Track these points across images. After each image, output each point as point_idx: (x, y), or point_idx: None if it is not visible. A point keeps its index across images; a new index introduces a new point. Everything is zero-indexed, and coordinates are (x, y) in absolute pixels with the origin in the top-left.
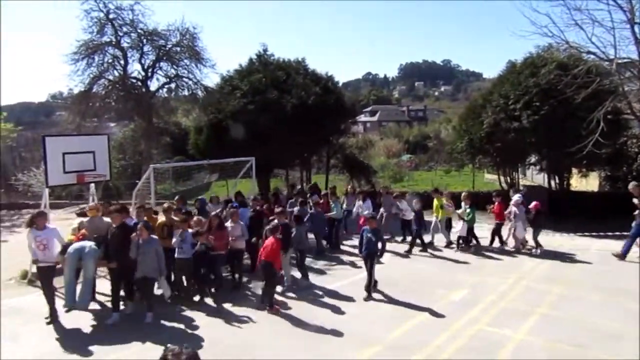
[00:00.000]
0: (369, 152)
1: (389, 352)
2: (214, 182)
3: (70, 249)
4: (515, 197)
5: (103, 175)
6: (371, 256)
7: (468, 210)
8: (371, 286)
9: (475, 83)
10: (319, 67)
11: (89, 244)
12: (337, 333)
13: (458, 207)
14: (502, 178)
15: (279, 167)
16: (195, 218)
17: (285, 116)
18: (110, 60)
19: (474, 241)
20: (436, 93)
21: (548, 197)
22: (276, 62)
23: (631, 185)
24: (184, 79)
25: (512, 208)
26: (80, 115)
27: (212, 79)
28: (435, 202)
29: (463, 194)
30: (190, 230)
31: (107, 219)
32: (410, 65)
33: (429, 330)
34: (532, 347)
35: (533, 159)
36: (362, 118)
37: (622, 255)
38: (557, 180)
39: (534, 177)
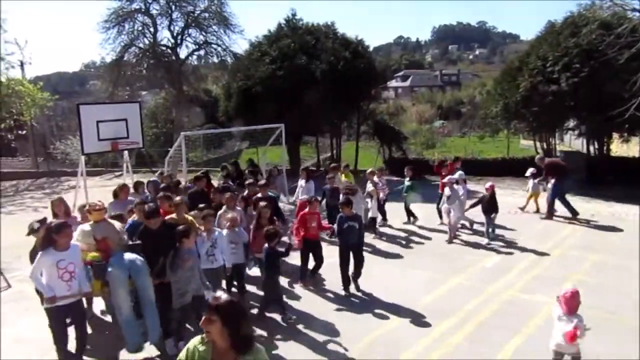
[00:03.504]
0: (401, 119)
1: (422, 317)
2: (245, 149)
3: (114, 267)
4: (457, 174)
5: (136, 142)
6: (349, 246)
7: (407, 184)
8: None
9: (512, 45)
10: (348, 31)
11: (133, 256)
12: (368, 298)
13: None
14: (538, 144)
15: (309, 134)
16: (230, 215)
17: (315, 82)
18: (140, 28)
19: (411, 219)
20: (470, 56)
21: (587, 162)
22: (305, 26)
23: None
24: (213, 45)
25: (447, 188)
26: (112, 83)
27: (240, 46)
28: (343, 178)
29: (408, 167)
30: (224, 231)
31: (115, 222)
32: (443, 27)
33: (461, 296)
34: None
35: (571, 123)
36: (393, 83)
37: (550, 215)
38: (597, 146)
39: (572, 142)
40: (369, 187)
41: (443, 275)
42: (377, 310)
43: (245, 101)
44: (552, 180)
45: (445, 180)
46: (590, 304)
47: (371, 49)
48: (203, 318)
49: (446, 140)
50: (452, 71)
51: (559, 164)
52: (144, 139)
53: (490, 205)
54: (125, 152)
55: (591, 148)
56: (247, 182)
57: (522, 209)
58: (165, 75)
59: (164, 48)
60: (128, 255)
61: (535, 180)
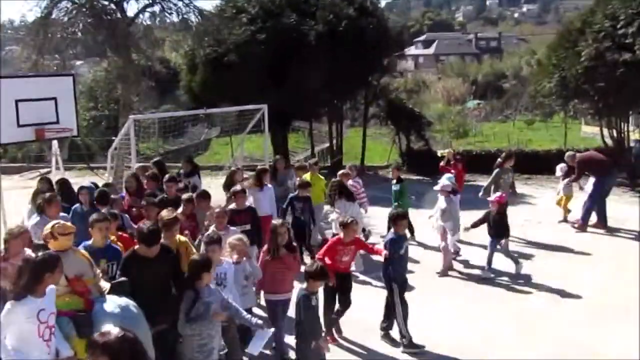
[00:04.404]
0: (422, 97)
1: None
2: (215, 138)
3: (103, 318)
4: (445, 178)
5: (69, 129)
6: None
7: (395, 189)
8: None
9: (571, 0)
10: None
11: (124, 301)
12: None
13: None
14: (605, 131)
15: (300, 118)
16: (235, 238)
17: (308, 48)
18: None
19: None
20: (516, 15)
21: None
22: None
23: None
24: None
25: (443, 198)
26: (36, 50)
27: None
28: (308, 177)
29: (393, 167)
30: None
31: (83, 252)
32: None
33: (501, 335)
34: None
35: None
36: (412, 50)
37: (583, 226)
38: None
39: None
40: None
41: (473, 309)
42: (399, 358)
43: (215, 74)
44: (592, 180)
45: (438, 186)
46: None
47: (383, 4)
48: None
49: (483, 126)
50: (492, 34)
51: (597, 158)
52: (80, 125)
53: (498, 225)
54: (55, 142)
55: None
56: (184, 196)
57: (566, 220)
58: (107, 39)
59: (105, 2)
60: (117, 300)
61: (566, 181)
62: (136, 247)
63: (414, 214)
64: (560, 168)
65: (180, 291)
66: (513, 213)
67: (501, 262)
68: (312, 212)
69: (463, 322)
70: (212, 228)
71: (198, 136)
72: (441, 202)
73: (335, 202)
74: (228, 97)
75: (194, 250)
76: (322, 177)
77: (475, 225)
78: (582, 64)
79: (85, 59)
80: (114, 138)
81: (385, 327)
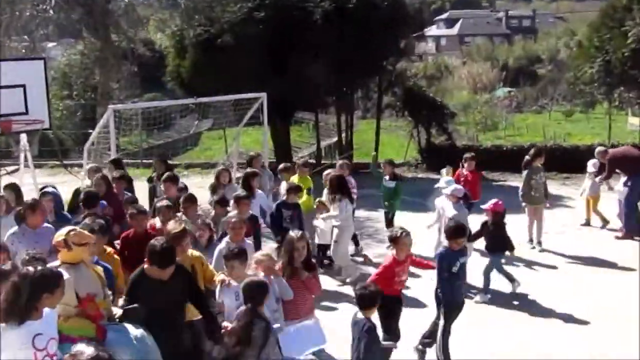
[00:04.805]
0: (445, 84)
1: None
2: (206, 132)
3: (119, 351)
4: (441, 183)
5: (39, 121)
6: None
7: (388, 186)
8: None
9: None
10: None
11: (139, 332)
12: None
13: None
14: None
15: (304, 108)
16: (258, 255)
17: (313, 29)
18: None
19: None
20: None
21: None
22: None
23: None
24: None
25: (451, 203)
26: (2, 30)
27: None
28: (296, 179)
29: (384, 162)
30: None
31: (96, 268)
32: None
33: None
34: None
35: None
36: (434, 31)
37: (628, 234)
38: None
39: None
40: (325, 196)
41: (498, 333)
42: None
43: (206, 58)
44: (624, 179)
45: (447, 190)
46: None
47: None
48: None
49: (514, 117)
50: (524, 12)
51: (633, 155)
52: (52, 116)
53: (494, 238)
54: (23, 136)
55: None
56: (159, 203)
57: (607, 223)
58: (83, 17)
59: None
60: (133, 330)
61: (597, 179)
62: (145, 267)
63: (423, 218)
64: (593, 164)
65: (206, 316)
66: (550, 218)
67: (517, 275)
68: (301, 221)
69: (471, 342)
70: (225, 240)
71: (187, 129)
72: (448, 210)
73: (335, 201)
74: (221, 84)
75: (211, 267)
76: (310, 179)
77: (470, 239)
78: (629, 46)
79: (58, 40)
80: (90, 131)
81: (425, 344)
